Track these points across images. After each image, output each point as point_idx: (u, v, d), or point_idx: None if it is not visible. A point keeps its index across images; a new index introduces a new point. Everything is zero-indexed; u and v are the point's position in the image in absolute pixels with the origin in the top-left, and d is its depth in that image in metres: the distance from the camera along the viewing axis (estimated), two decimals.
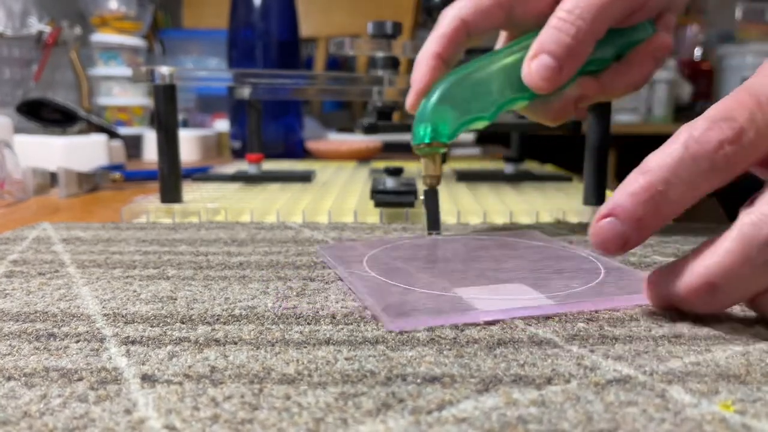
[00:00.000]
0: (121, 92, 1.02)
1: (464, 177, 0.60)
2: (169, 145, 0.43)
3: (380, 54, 0.53)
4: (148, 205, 0.44)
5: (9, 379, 0.17)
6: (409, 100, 0.33)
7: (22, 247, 0.33)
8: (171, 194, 0.44)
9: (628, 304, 0.24)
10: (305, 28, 1.10)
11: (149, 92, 1.04)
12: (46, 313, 0.23)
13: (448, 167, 0.71)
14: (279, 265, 0.30)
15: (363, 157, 0.91)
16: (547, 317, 0.22)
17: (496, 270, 0.28)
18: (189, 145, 0.90)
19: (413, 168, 0.72)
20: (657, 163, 0.21)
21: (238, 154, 0.89)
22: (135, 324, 0.22)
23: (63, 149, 0.67)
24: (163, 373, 0.18)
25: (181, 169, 0.45)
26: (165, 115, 0.43)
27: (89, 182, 0.59)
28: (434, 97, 0.31)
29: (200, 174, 0.61)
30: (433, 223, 0.34)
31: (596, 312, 0.23)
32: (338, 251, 0.31)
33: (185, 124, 1.12)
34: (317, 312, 0.23)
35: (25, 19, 0.95)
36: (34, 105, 0.82)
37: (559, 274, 0.27)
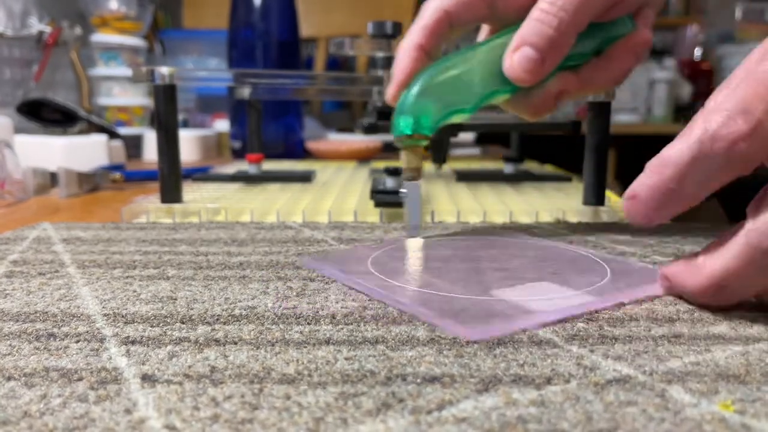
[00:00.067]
0: (122, 92, 1.02)
1: (464, 177, 0.60)
2: (169, 145, 0.43)
3: (380, 54, 0.53)
4: (149, 205, 0.44)
5: (9, 379, 0.17)
6: (390, 92, 0.33)
7: (22, 247, 0.33)
8: (171, 194, 0.44)
9: (651, 294, 0.25)
10: (305, 28, 1.10)
11: (149, 92, 1.04)
12: (46, 313, 0.23)
13: (448, 167, 0.71)
14: (279, 265, 0.30)
15: (363, 157, 0.91)
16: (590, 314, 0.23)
17: (506, 270, 0.28)
18: (189, 145, 0.91)
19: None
20: (673, 159, 0.22)
21: (238, 154, 0.89)
22: (135, 324, 0.22)
23: (63, 149, 0.67)
24: (163, 373, 0.18)
25: (181, 169, 0.45)
26: (165, 115, 0.43)
27: (89, 182, 0.59)
28: (415, 89, 0.31)
29: (200, 174, 0.61)
30: (415, 220, 0.33)
31: (596, 312, 0.23)
32: (332, 262, 0.29)
33: (185, 124, 1.12)
34: (317, 312, 0.23)
35: (26, 20, 0.95)
36: (35, 105, 0.82)
37: (575, 272, 0.27)
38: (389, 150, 0.99)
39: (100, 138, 0.73)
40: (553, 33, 0.29)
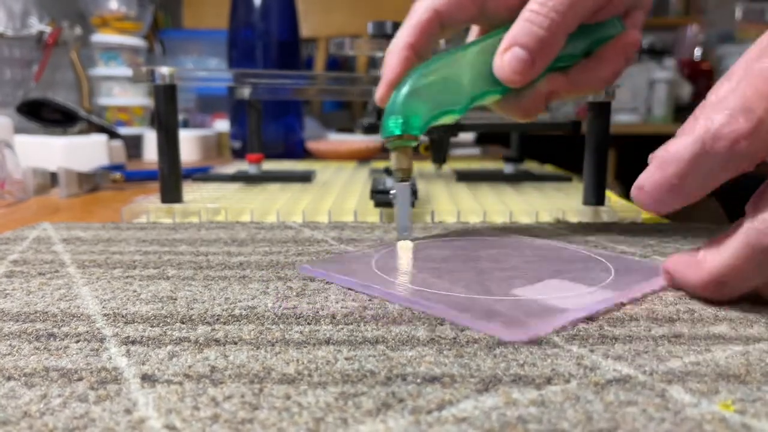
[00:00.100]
0: (122, 92, 1.02)
1: (464, 177, 0.60)
2: (169, 145, 0.43)
3: (380, 54, 0.53)
4: (149, 205, 0.44)
5: (9, 379, 0.17)
6: (379, 92, 0.32)
7: (22, 247, 0.33)
8: (171, 194, 0.44)
9: (658, 287, 0.26)
10: (305, 28, 1.10)
11: (149, 92, 1.04)
12: (46, 313, 0.23)
13: (448, 167, 0.71)
14: (279, 265, 0.30)
15: (363, 157, 0.91)
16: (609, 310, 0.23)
17: (514, 269, 0.28)
18: (189, 145, 0.91)
19: (413, 168, 0.72)
20: (676, 157, 0.23)
21: (238, 154, 0.89)
22: (135, 324, 0.22)
23: (63, 149, 0.67)
24: (163, 372, 0.18)
25: (181, 169, 0.45)
26: (165, 115, 0.43)
27: (89, 182, 0.59)
28: (405, 89, 0.31)
29: (200, 174, 0.61)
30: (405, 222, 0.33)
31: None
32: (333, 267, 0.28)
33: (185, 124, 1.12)
34: (317, 312, 0.23)
35: (26, 20, 0.95)
36: (35, 105, 0.82)
37: (580, 270, 0.27)
38: (389, 150, 0.99)
39: (100, 138, 0.73)
40: (544, 34, 0.29)
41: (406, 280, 0.27)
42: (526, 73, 0.30)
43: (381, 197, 0.45)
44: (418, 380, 0.17)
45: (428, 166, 0.73)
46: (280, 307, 0.24)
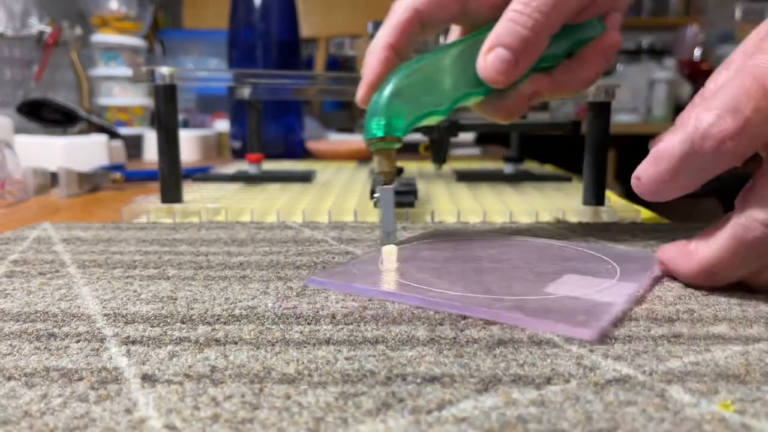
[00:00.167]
0: (122, 92, 1.02)
1: (464, 177, 0.60)
2: (169, 145, 0.43)
3: None
4: (149, 205, 0.44)
5: (9, 378, 0.17)
6: (360, 93, 0.32)
7: (22, 247, 0.33)
8: (171, 194, 0.44)
9: (658, 274, 0.27)
10: (305, 28, 1.10)
11: (149, 92, 1.04)
12: (47, 313, 0.23)
13: (448, 167, 0.71)
14: (279, 265, 0.30)
15: (363, 157, 0.91)
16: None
17: (521, 268, 0.28)
18: (189, 145, 0.91)
19: (413, 168, 0.72)
20: (668, 153, 0.24)
21: (238, 154, 0.89)
22: (135, 324, 0.22)
23: (63, 149, 0.67)
24: (164, 372, 0.18)
25: (181, 169, 0.45)
26: (165, 115, 0.43)
27: (90, 182, 0.59)
28: (387, 90, 0.30)
29: (200, 174, 0.61)
30: (389, 226, 0.32)
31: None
32: (343, 277, 0.27)
33: (185, 124, 1.12)
34: (317, 312, 0.23)
35: (26, 20, 0.96)
36: (35, 105, 0.82)
37: (589, 266, 0.28)
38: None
39: (101, 138, 0.73)
40: (528, 34, 0.29)
41: (434, 285, 0.25)
42: (509, 73, 0.29)
43: None
44: (418, 380, 0.17)
45: (428, 166, 0.73)
46: (280, 307, 0.24)
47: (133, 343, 0.20)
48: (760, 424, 0.15)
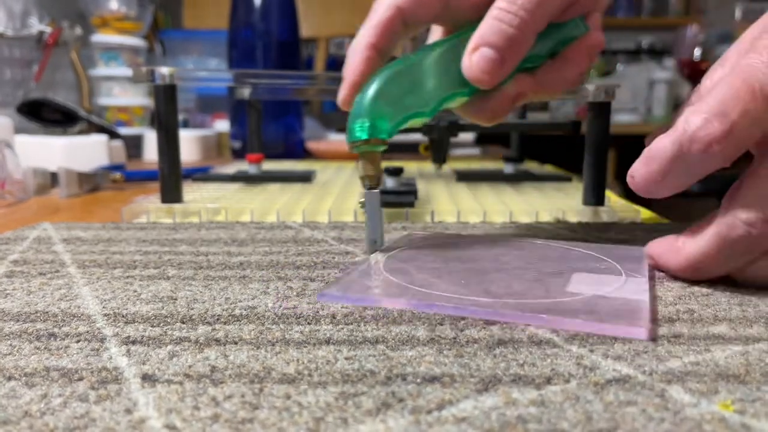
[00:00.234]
0: (122, 92, 1.02)
1: (464, 177, 0.60)
2: (169, 145, 0.43)
3: None
4: (149, 205, 0.44)
5: (9, 378, 0.17)
6: (342, 94, 0.31)
7: (22, 247, 0.33)
8: (171, 194, 0.44)
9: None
10: (305, 28, 1.10)
11: (149, 92, 1.04)
12: (47, 313, 0.23)
13: (448, 167, 0.71)
14: (279, 265, 0.30)
15: None
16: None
17: (526, 268, 0.28)
18: (189, 145, 0.91)
19: (413, 168, 0.72)
20: (658, 155, 0.25)
21: (238, 154, 0.89)
22: (135, 324, 0.22)
23: (63, 149, 0.67)
24: (164, 372, 0.18)
25: (181, 169, 0.45)
26: (165, 115, 0.43)
27: (90, 182, 0.59)
28: (371, 91, 0.29)
29: (200, 174, 0.61)
30: (375, 233, 0.31)
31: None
32: (356, 288, 0.25)
33: (185, 125, 1.12)
34: (317, 312, 0.23)
35: (26, 20, 0.96)
36: (35, 105, 0.82)
37: (593, 265, 0.28)
38: (389, 150, 0.99)
39: (101, 138, 0.73)
40: (513, 32, 0.28)
41: (458, 293, 0.24)
42: (495, 73, 0.29)
43: (381, 197, 0.44)
44: (418, 380, 0.17)
45: (428, 166, 0.73)
46: (280, 307, 0.24)
47: (133, 343, 0.20)
48: (760, 424, 0.15)
